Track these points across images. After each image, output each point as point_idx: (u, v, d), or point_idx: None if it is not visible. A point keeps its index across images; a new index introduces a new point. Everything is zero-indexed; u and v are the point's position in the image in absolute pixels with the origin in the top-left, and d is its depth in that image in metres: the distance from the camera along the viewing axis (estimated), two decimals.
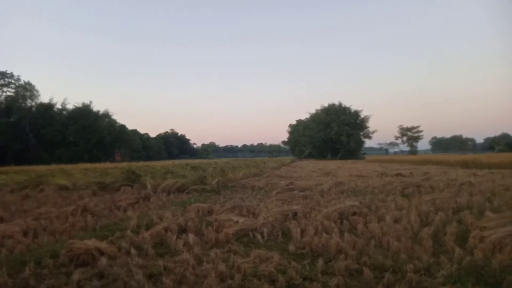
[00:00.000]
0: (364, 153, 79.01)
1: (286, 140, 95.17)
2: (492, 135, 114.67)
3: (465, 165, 24.02)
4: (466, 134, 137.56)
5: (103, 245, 4.09)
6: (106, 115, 72.48)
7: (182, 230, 5.03)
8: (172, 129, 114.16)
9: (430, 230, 4.92)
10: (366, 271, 3.32)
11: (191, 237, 4.48)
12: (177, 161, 25.23)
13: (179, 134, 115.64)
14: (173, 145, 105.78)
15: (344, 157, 65.59)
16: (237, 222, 5.15)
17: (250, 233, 4.89)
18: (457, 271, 3.41)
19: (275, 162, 31.31)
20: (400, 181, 11.82)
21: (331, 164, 32.75)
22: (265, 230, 4.93)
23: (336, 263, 3.60)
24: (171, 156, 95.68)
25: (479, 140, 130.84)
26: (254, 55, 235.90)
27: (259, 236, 4.74)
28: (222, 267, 3.44)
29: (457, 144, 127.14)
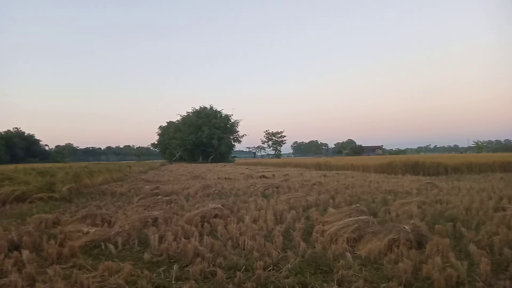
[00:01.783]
0: (234, 156, 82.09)
1: (155, 142, 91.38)
2: (341, 140, 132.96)
3: (319, 167, 27.18)
4: (321, 140, 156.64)
5: None
6: None
7: (15, 246, 4.29)
8: (16, 128, 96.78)
9: (282, 228, 5.35)
10: (219, 272, 3.37)
11: (25, 254, 3.85)
12: (21, 166, 21.61)
13: (26, 133, 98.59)
14: (17, 146, 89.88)
15: (215, 160, 66.93)
16: (87, 232, 4.66)
17: (102, 244, 4.49)
18: (300, 263, 3.75)
19: (142, 166, 29.87)
20: (263, 183, 12.60)
21: (201, 168, 32.99)
22: (119, 239, 4.59)
23: (192, 268, 3.57)
24: (14, 159, 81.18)
25: (331, 145, 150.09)
26: (121, 55, 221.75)
27: (111, 246, 4.37)
28: (60, 285, 3.03)
29: (313, 148, 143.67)
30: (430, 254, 3.95)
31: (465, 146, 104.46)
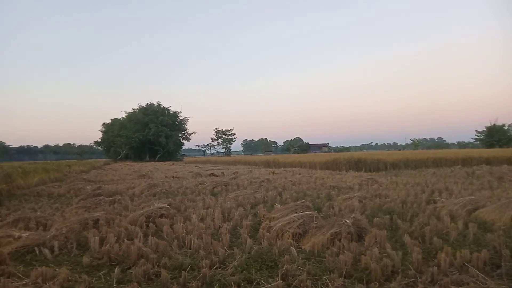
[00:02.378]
0: (183, 155, 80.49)
1: (99, 140, 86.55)
2: (289, 138, 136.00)
3: (268, 164, 27.59)
4: (270, 138, 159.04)
5: None
6: None
7: None
8: None
9: (230, 225, 5.35)
10: (164, 272, 3.29)
11: None
12: None
13: None
14: None
15: (163, 158, 65.10)
16: (19, 237, 4.33)
17: (36, 249, 4.19)
18: (246, 260, 3.78)
19: (83, 165, 28.27)
20: (211, 181, 12.50)
21: (148, 166, 32.00)
22: (56, 243, 4.31)
23: (135, 269, 3.45)
24: None
25: (280, 143, 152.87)
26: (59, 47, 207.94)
27: (47, 251, 4.10)
28: None
29: (263, 146, 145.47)
30: (369, 245, 4.17)
31: (403, 144, 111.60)
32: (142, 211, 6.06)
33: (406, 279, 3.24)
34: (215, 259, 3.77)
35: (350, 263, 3.50)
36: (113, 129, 76.64)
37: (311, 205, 6.49)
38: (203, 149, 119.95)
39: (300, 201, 6.38)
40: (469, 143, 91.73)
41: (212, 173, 17.60)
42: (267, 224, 5.19)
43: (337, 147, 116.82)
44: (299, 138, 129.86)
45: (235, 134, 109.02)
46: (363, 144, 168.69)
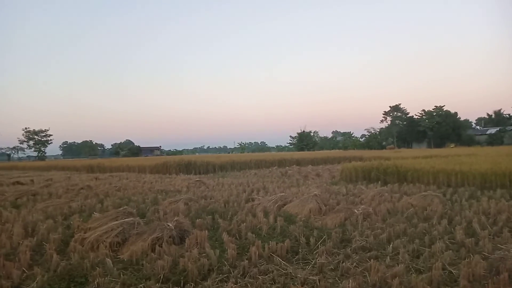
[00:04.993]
0: None
1: None
2: (119, 141, 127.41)
3: (91, 169, 25.09)
4: (96, 140, 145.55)
5: None
6: None
7: None
8: None
9: (33, 242, 4.56)
10: None
11: None
12: None
13: None
14: None
15: None
16: None
17: None
18: (49, 279, 3.27)
19: None
20: (15, 190, 10.49)
21: None
22: None
23: None
24: None
25: (108, 145, 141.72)
26: None
27: None
28: None
29: (87, 149, 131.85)
30: (189, 247, 4.22)
31: (232, 147, 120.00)
32: None
33: (221, 275, 3.41)
34: (7, 284, 3.12)
35: (168, 267, 3.44)
36: None
37: (135, 211, 6.20)
38: (8, 152, 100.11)
39: (122, 208, 5.98)
40: (285, 147, 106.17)
41: (17, 181, 14.82)
42: (80, 235, 4.64)
43: (170, 150, 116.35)
44: (129, 140, 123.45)
45: (51, 135, 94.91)
46: (195, 147, 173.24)
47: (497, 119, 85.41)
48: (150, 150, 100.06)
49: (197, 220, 5.52)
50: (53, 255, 3.81)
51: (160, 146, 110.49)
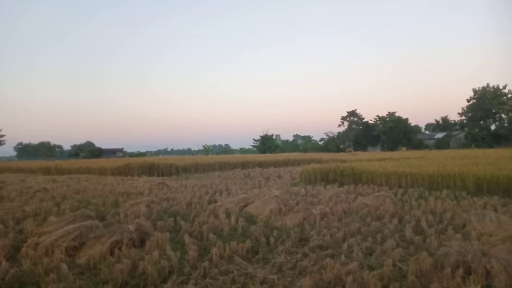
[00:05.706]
0: None
1: None
2: (78, 142, 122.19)
3: (48, 171, 23.98)
4: (54, 141, 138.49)
5: None
6: None
7: None
8: None
9: None
10: None
11: None
12: None
13: None
14: None
15: None
16: None
17: None
18: None
19: None
20: None
21: None
22: None
23: None
24: None
25: (67, 147, 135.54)
26: None
27: None
28: None
29: (44, 150, 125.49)
30: (150, 249, 4.20)
31: (196, 149, 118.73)
32: None
33: (181, 277, 3.43)
34: None
35: (127, 271, 3.42)
36: None
37: (94, 214, 6.04)
38: None
39: (81, 211, 5.83)
40: (249, 149, 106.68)
41: None
42: (34, 240, 4.47)
43: (133, 152, 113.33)
44: (90, 142, 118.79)
45: (4, 135, 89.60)
46: (159, 150, 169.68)
47: (444, 124, 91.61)
48: (112, 152, 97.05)
49: (159, 222, 5.48)
50: (2, 262, 3.65)
51: (123, 148, 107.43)
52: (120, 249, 4.12)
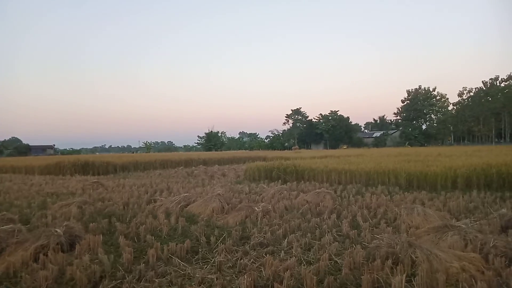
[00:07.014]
0: None
1: None
2: (2, 138, 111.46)
3: None
4: None
5: None
6: None
7: None
8: None
9: None
10: None
11: None
12: None
13: None
14: None
15: None
16: None
17: None
18: None
19: None
20: None
21: None
22: None
23: None
24: None
25: None
26: None
27: None
28: None
29: None
30: (80, 253, 3.91)
31: (137, 147, 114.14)
32: None
33: (114, 281, 3.23)
34: None
35: (53, 278, 3.14)
36: None
37: (17, 217, 5.53)
38: None
39: (1, 214, 5.29)
40: (193, 146, 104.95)
41: None
42: None
43: (65, 149, 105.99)
44: (16, 138, 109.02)
45: None
46: (96, 147, 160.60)
47: (381, 123, 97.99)
48: (42, 149, 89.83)
49: (91, 224, 5.15)
50: None
51: (54, 145, 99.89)
52: (45, 254, 3.78)
